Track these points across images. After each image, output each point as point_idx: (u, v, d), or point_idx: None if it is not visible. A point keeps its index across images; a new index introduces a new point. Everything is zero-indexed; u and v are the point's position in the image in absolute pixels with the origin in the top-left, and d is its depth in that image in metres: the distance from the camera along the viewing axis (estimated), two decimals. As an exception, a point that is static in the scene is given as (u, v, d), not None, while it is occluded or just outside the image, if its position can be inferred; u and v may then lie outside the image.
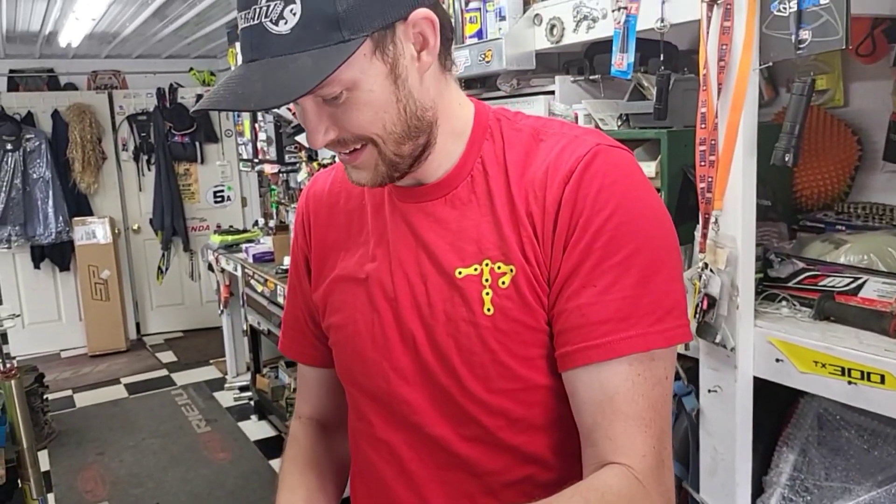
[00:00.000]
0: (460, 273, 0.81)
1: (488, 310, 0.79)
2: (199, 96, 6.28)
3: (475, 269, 0.80)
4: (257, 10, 0.69)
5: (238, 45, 0.75)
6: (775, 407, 1.54)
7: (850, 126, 1.73)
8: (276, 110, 4.43)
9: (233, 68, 0.78)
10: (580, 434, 0.79)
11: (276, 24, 0.69)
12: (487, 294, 0.79)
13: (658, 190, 1.58)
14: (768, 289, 1.45)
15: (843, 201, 1.75)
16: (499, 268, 0.79)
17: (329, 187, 0.97)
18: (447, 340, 0.82)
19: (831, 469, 1.44)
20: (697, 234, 1.37)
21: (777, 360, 1.31)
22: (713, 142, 1.31)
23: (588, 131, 0.84)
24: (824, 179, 1.71)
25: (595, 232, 0.75)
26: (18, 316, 4.22)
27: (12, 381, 2.34)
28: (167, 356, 5.91)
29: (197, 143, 6.35)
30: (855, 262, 1.42)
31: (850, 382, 1.20)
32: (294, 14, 0.68)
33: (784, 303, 1.41)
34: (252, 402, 4.66)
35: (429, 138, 0.80)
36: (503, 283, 0.79)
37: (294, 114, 4.11)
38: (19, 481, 2.42)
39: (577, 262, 0.76)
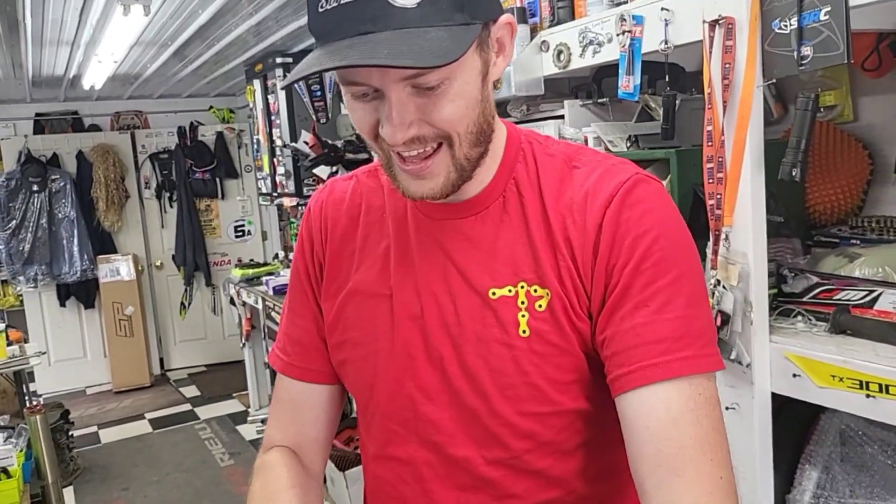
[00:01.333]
0: (494, 294, 0.80)
1: (524, 332, 0.78)
2: (219, 133, 6.40)
3: (510, 291, 0.80)
4: None
5: (322, 22, 0.70)
6: (796, 424, 1.53)
7: (860, 140, 1.73)
8: (293, 144, 4.51)
9: (311, 56, 0.70)
10: (638, 459, 0.74)
11: None
12: (523, 316, 0.79)
13: (669, 209, 1.59)
14: (783, 304, 1.44)
15: (857, 216, 1.74)
16: (535, 291, 0.79)
17: (350, 196, 0.93)
18: (477, 361, 0.80)
19: (855, 486, 1.42)
20: (708, 250, 1.37)
21: (794, 376, 1.30)
22: (720, 159, 1.32)
23: (624, 161, 0.83)
24: (837, 194, 1.70)
25: (643, 252, 0.75)
26: (44, 353, 4.28)
27: (37, 417, 2.38)
28: (190, 391, 5.94)
29: (217, 179, 6.45)
30: (870, 276, 1.41)
31: (868, 395, 1.18)
32: None
33: (799, 318, 1.40)
34: (275, 435, 4.67)
35: (488, 147, 0.80)
36: (540, 306, 0.78)
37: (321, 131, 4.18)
38: (45, 516, 2.44)
39: (627, 284, 0.75)
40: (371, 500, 0.96)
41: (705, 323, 0.76)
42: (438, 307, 0.83)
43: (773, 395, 1.38)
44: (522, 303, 0.79)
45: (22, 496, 2.21)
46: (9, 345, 3.83)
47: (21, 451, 2.28)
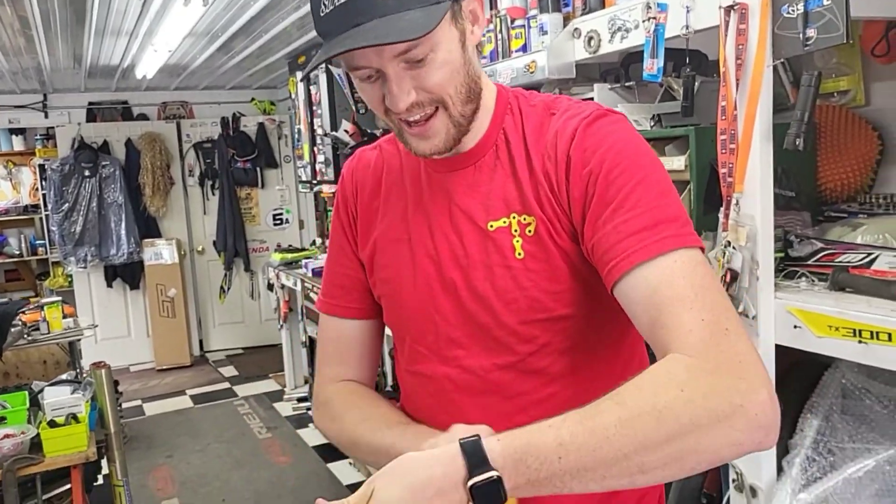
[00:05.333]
0: (492, 226, 0.96)
1: (519, 254, 0.94)
2: (261, 124, 6.65)
3: (504, 222, 0.95)
4: None
5: (325, 24, 0.87)
6: (802, 383, 1.66)
7: (871, 123, 1.85)
8: (333, 133, 4.70)
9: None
10: (643, 333, 0.86)
11: None
12: (518, 241, 0.94)
13: (687, 182, 1.74)
14: (789, 267, 1.58)
15: (867, 193, 1.87)
16: (524, 219, 0.95)
17: (374, 162, 1.12)
18: (484, 283, 0.96)
19: (854, 434, 1.55)
20: (720, 215, 1.52)
21: (795, 327, 1.44)
22: (733, 131, 1.46)
23: (590, 103, 0.98)
24: (846, 173, 1.83)
25: (609, 166, 0.89)
26: (97, 326, 4.53)
27: (102, 371, 2.59)
28: (229, 370, 6.19)
29: (258, 169, 6.69)
30: (870, 241, 1.54)
31: (860, 342, 1.32)
32: None
33: (803, 279, 1.54)
34: (309, 412, 4.87)
35: (479, 103, 0.96)
36: (529, 231, 0.94)
37: (356, 109, 4.37)
38: (107, 463, 2.66)
39: (600, 195, 0.89)
40: (406, 406, 1.12)
41: (677, 210, 0.88)
42: (449, 244, 0.99)
43: (781, 354, 1.52)
44: (515, 230, 0.95)
45: (89, 441, 2.43)
46: (64, 317, 4.09)
47: (87, 401, 2.50)
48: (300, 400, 5.20)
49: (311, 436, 4.56)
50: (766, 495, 1.52)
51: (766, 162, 1.45)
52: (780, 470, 1.55)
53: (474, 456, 0.71)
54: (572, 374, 0.99)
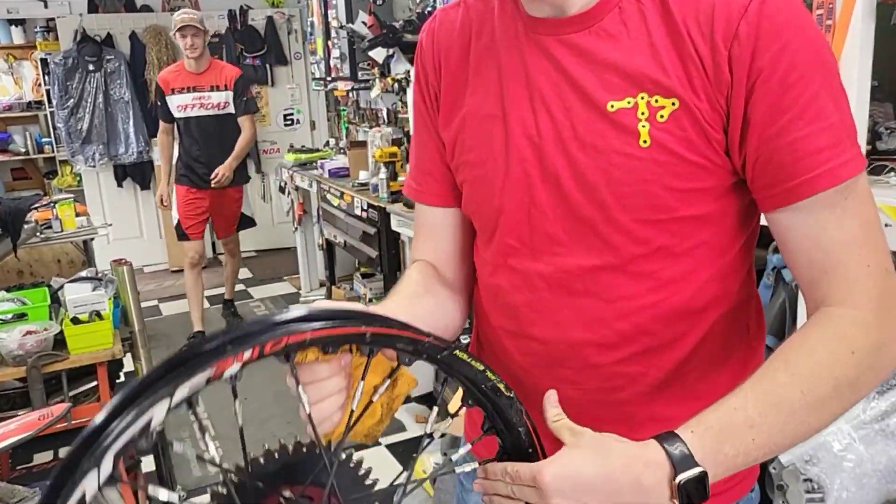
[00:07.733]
0: (612, 106, 0.80)
1: (644, 142, 0.79)
2: (270, 18, 6.34)
3: (628, 103, 0.79)
4: None
5: None
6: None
7: (965, 5, 1.68)
8: (350, 25, 4.46)
9: None
10: (795, 266, 0.80)
11: None
12: (644, 127, 0.79)
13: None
14: (875, 161, 1.45)
15: (953, 85, 1.71)
16: (656, 101, 0.78)
17: (460, 22, 0.94)
18: (595, 173, 0.82)
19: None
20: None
21: (886, 226, 1.32)
22: (831, 6, 1.30)
23: None
24: (934, 61, 1.67)
25: (787, 66, 0.74)
26: (111, 225, 4.44)
27: (124, 268, 2.51)
28: (243, 272, 6.12)
29: (267, 66, 6.44)
30: (968, 134, 1.41)
31: (961, 241, 1.21)
32: None
33: (892, 173, 1.41)
34: (327, 314, 4.85)
35: None
36: (661, 116, 0.78)
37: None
38: (132, 361, 2.62)
39: (774, 101, 0.75)
40: (488, 304, 0.99)
41: (851, 122, 0.77)
42: (554, 124, 0.84)
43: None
44: (643, 113, 0.78)
45: (114, 338, 2.38)
46: (77, 216, 4.00)
47: (110, 299, 2.43)
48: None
49: (330, 337, 4.55)
50: (835, 402, 1.45)
51: (866, 41, 1.30)
52: (850, 376, 1.48)
53: (679, 452, 0.67)
54: (684, 279, 0.86)
